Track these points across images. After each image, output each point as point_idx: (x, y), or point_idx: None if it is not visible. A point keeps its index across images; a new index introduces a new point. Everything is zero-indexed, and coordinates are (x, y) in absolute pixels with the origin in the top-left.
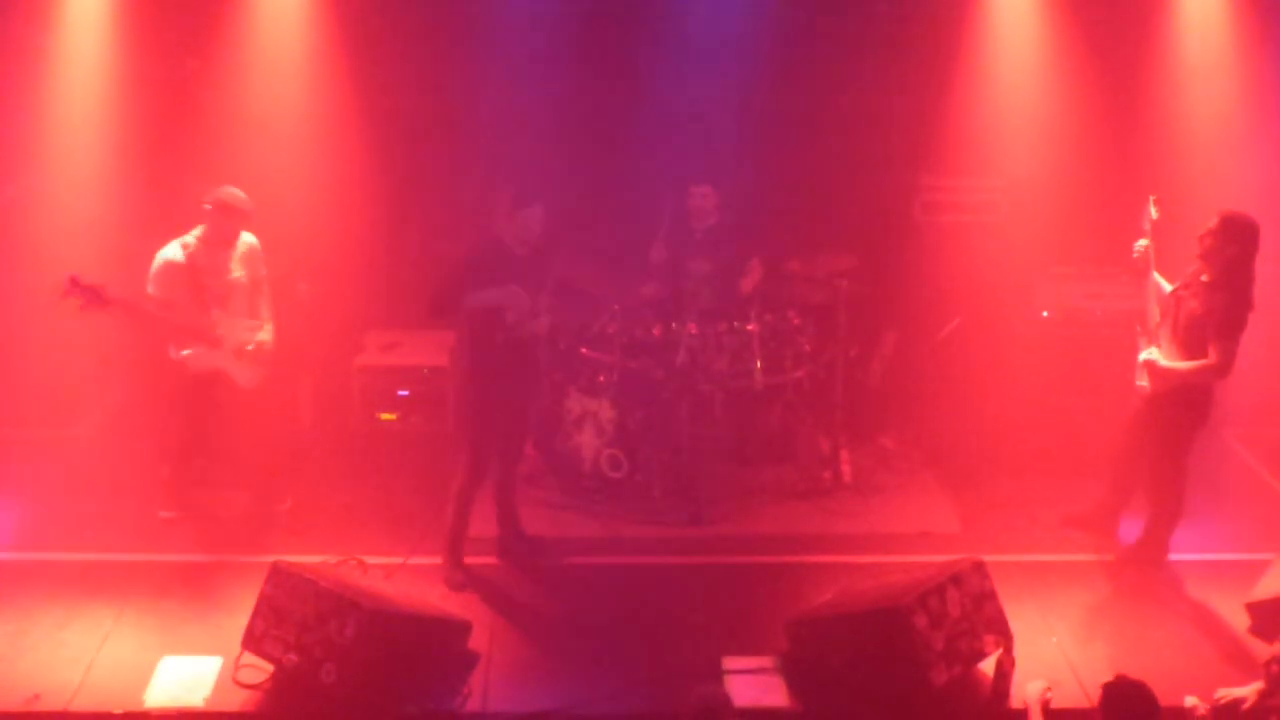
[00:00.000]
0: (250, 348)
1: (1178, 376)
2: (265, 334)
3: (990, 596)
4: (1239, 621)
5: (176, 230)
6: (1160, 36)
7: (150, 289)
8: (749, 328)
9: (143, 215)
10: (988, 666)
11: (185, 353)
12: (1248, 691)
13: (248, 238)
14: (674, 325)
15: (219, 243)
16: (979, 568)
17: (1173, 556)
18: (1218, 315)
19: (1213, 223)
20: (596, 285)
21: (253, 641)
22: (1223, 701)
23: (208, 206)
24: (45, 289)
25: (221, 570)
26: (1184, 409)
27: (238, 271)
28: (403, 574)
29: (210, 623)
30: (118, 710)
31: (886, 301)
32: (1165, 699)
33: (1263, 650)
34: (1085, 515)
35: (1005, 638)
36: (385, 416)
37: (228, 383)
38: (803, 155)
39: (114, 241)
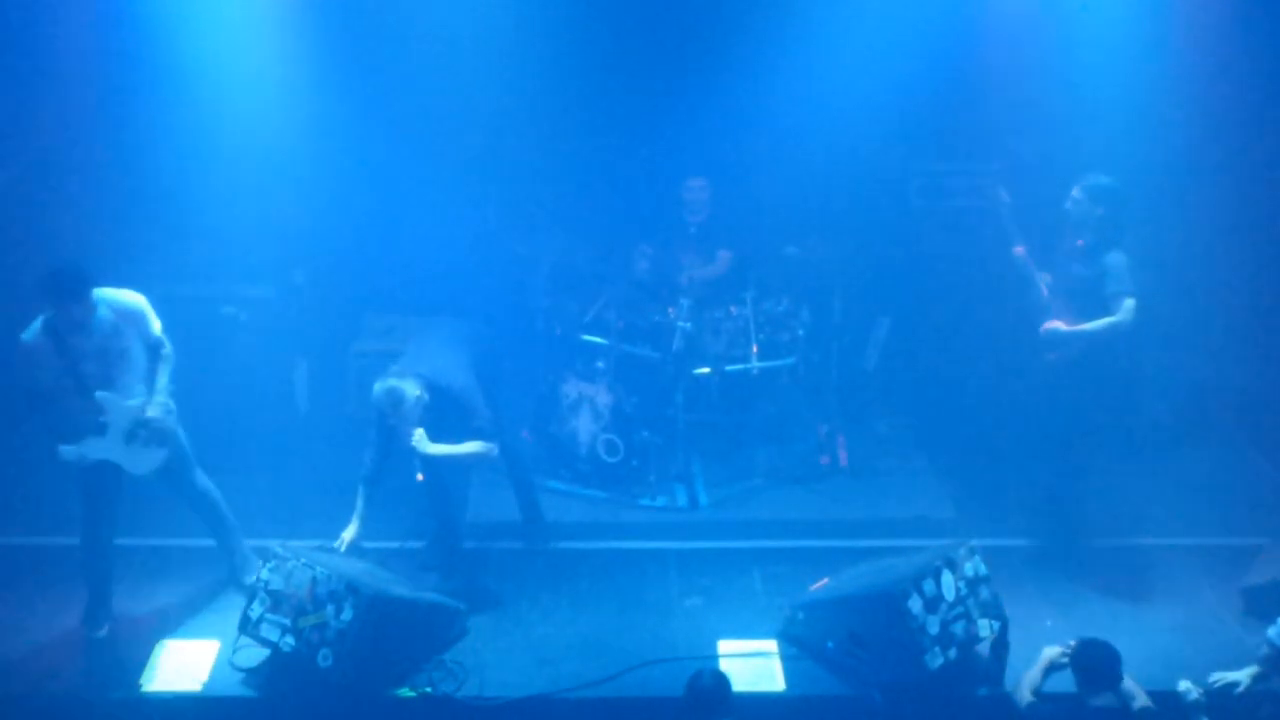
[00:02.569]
0: (144, 429)
1: (1087, 338)
2: (155, 410)
3: (985, 580)
4: (1234, 606)
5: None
6: (1156, 21)
7: (14, 377)
8: (745, 313)
9: (134, 209)
10: (983, 650)
11: (64, 448)
12: (1242, 675)
13: (120, 300)
14: (670, 310)
15: (70, 324)
16: (974, 552)
17: (1168, 541)
18: (1113, 275)
19: (1076, 192)
20: (592, 269)
21: (250, 626)
22: (1217, 686)
23: (38, 295)
24: None
25: (218, 555)
26: (1085, 381)
27: (117, 345)
28: (399, 559)
29: (207, 607)
30: (116, 694)
31: (882, 286)
32: (1159, 683)
33: (1257, 635)
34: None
35: (1000, 621)
36: None
37: (121, 474)
38: (801, 140)
39: (102, 232)
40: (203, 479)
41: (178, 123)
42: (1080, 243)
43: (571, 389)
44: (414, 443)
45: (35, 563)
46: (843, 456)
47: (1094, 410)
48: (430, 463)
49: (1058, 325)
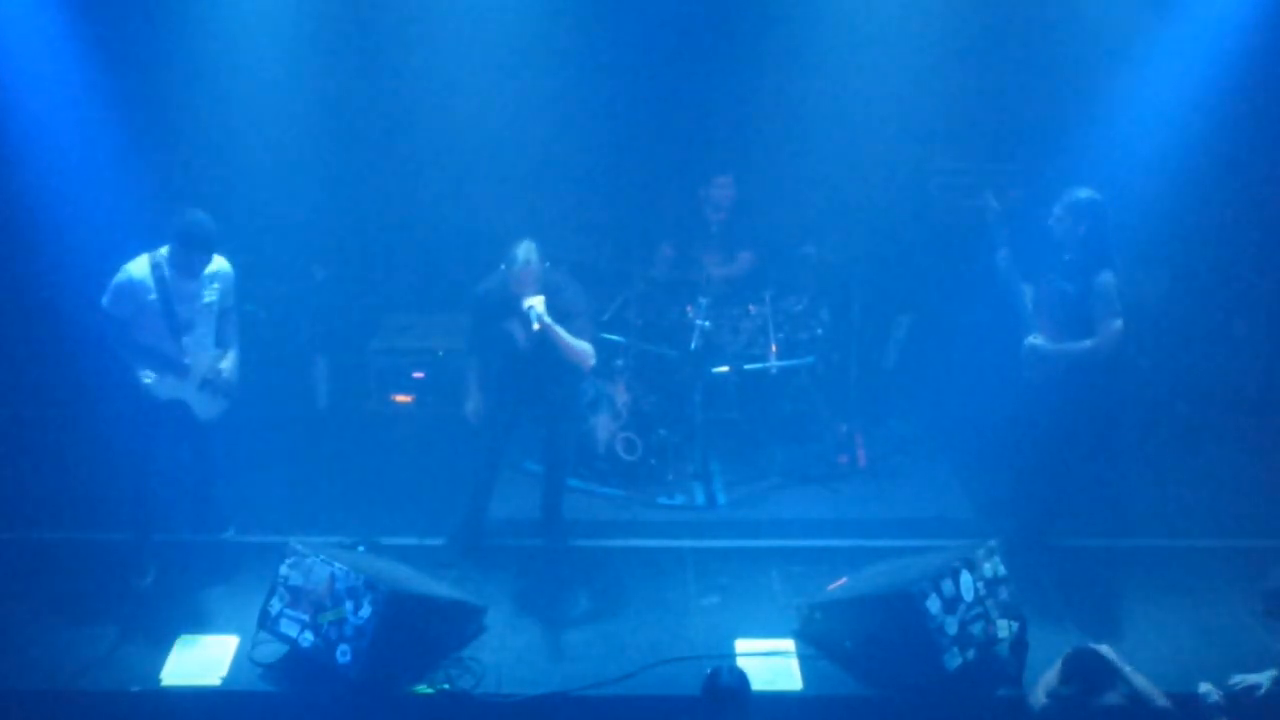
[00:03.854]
0: (217, 379)
1: (1069, 358)
2: (228, 363)
3: (1004, 581)
4: (1254, 608)
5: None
6: (1179, 25)
7: (106, 302)
8: (764, 311)
9: (155, 205)
10: (1001, 651)
11: (149, 378)
12: (1263, 678)
13: (220, 263)
14: (689, 309)
15: (185, 268)
16: (993, 552)
17: (1188, 543)
18: (1099, 295)
19: (1057, 209)
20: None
21: (268, 621)
22: (1237, 688)
23: (171, 233)
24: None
25: (238, 550)
26: (1065, 400)
27: (209, 298)
28: (418, 555)
29: (227, 602)
30: (135, 688)
31: (902, 285)
32: (1179, 685)
33: (1278, 636)
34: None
35: (1019, 622)
36: (400, 398)
37: (187, 414)
38: (819, 138)
39: (121, 227)
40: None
41: (200, 119)
42: (1066, 257)
43: (589, 387)
44: (530, 302)
45: (56, 557)
46: (861, 456)
47: (1078, 427)
48: (537, 347)
49: (1039, 341)
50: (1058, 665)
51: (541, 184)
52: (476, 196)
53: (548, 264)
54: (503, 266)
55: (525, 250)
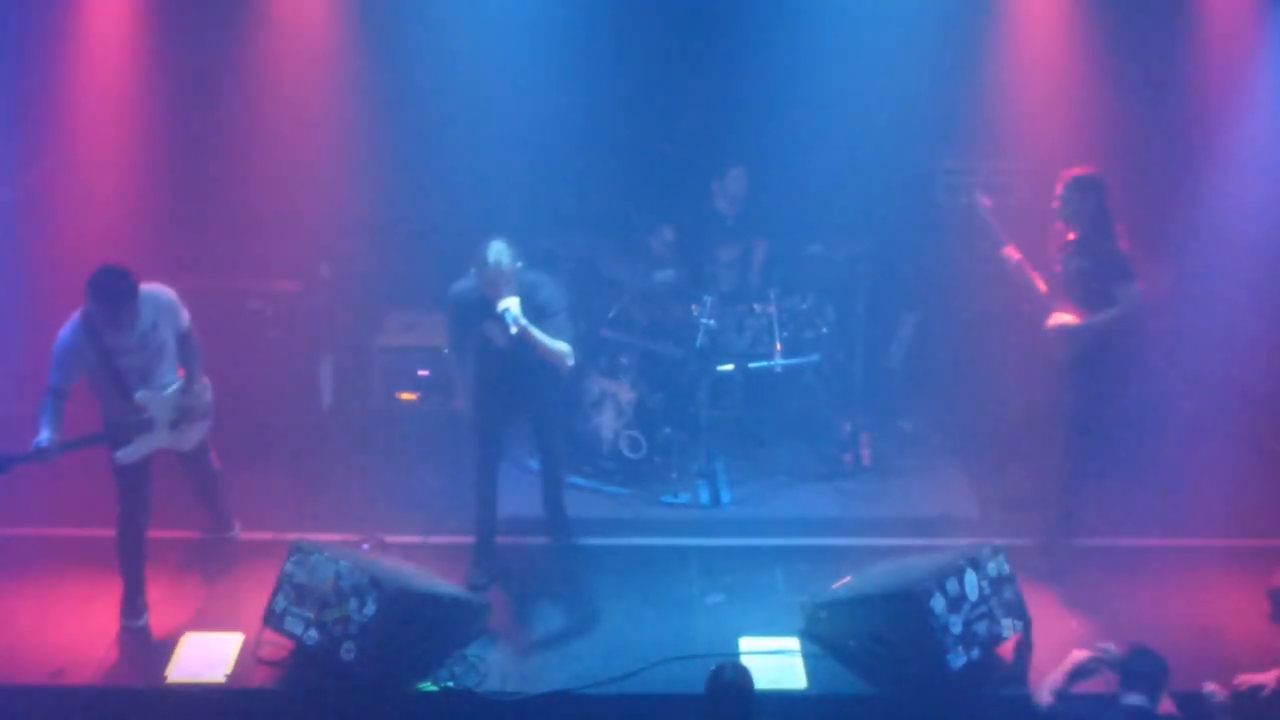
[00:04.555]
0: (186, 412)
1: (1097, 328)
2: (189, 394)
3: (1009, 580)
4: (1260, 608)
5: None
6: (1189, 21)
7: (54, 379)
8: (769, 310)
9: (162, 204)
10: (1006, 650)
11: (121, 453)
12: (1268, 678)
13: (153, 297)
14: (694, 308)
15: (111, 323)
16: (998, 551)
17: (1194, 542)
18: (1115, 262)
19: (1062, 191)
20: (616, 268)
21: (273, 619)
22: (1243, 688)
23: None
24: None
25: (243, 548)
26: (1093, 374)
27: (155, 339)
28: (423, 553)
29: (232, 600)
30: (141, 685)
31: (907, 284)
32: (1185, 685)
33: None
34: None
35: (1024, 621)
36: (405, 396)
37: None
38: (826, 138)
39: (129, 227)
40: (214, 460)
41: (203, 119)
42: (1072, 237)
43: (594, 385)
44: (505, 304)
45: (61, 553)
46: (866, 455)
47: (1108, 403)
48: (500, 367)
49: (1067, 319)
50: (1064, 665)
51: (547, 180)
52: (482, 193)
53: (520, 263)
54: (473, 269)
55: (495, 251)
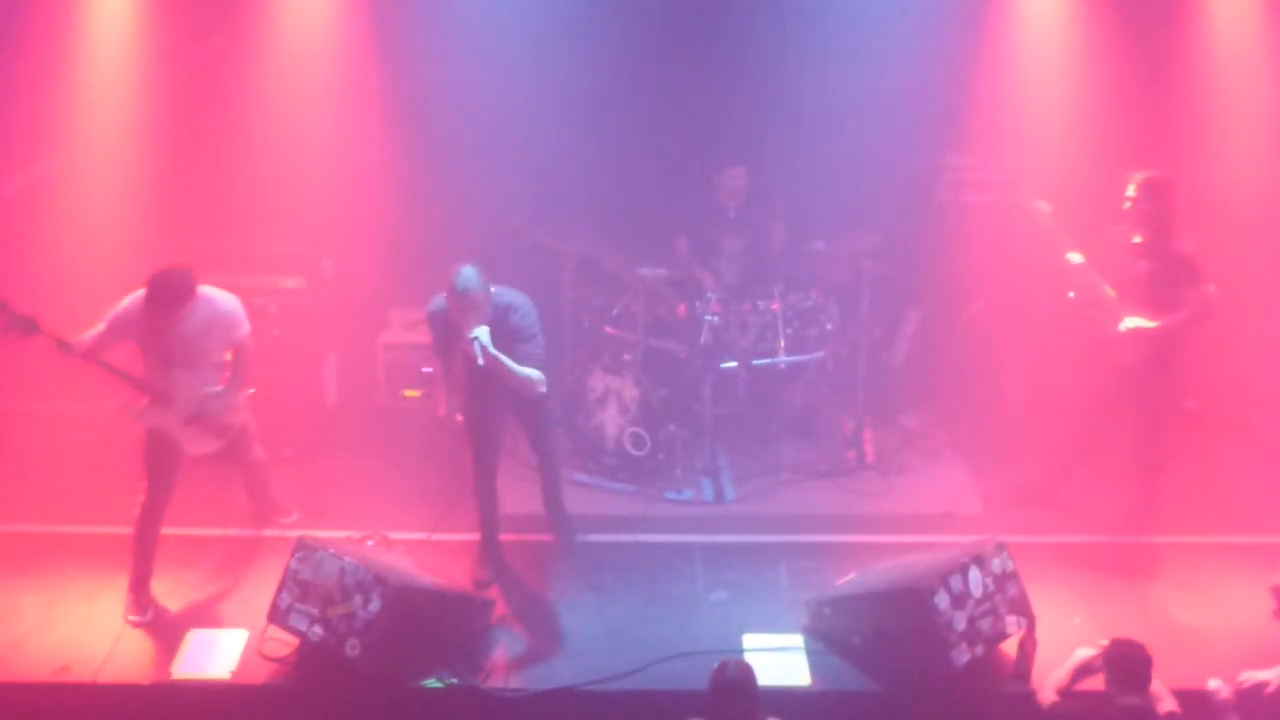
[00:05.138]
0: (207, 416)
1: (1173, 330)
2: (220, 407)
3: (1013, 577)
4: (1264, 604)
5: (197, 216)
6: (1192, 19)
7: (100, 325)
8: (773, 307)
9: (166, 197)
10: (1010, 647)
11: (131, 407)
12: (1272, 674)
13: (215, 303)
14: (697, 304)
15: (154, 314)
16: (1002, 548)
17: (1198, 539)
18: (1184, 264)
19: (1136, 191)
20: (619, 264)
21: (278, 615)
22: (1246, 685)
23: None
24: None
25: (248, 544)
26: (1166, 375)
27: (197, 335)
28: (426, 550)
29: (236, 596)
30: (145, 681)
31: (911, 281)
32: (1188, 682)
33: None
34: (1032, 486)
35: (1028, 618)
36: (409, 393)
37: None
38: (829, 135)
39: (134, 224)
40: (259, 449)
41: (208, 116)
42: (1137, 239)
43: (598, 382)
44: (475, 333)
45: (65, 550)
46: (870, 452)
47: (1179, 400)
48: (485, 374)
49: (1141, 322)
50: (1069, 663)
51: (550, 178)
52: (485, 190)
53: (492, 289)
54: (443, 295)
55: (464, 280)
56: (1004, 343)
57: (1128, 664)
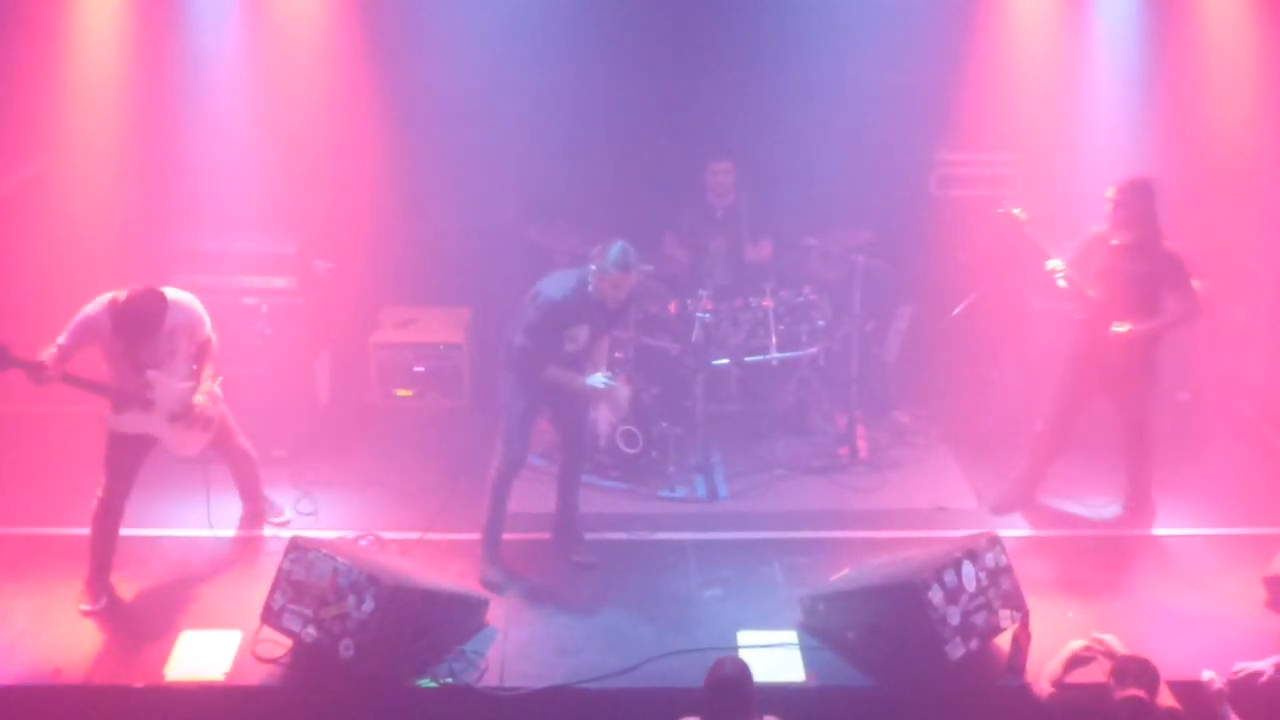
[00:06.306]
0: (189, 413)
1: (1165, 331)
2: (201, 396)
3: (1006, 571)
4: (1256, 595)
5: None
6: (1184, 14)
7: (60, 339)
8: (765, 303)
9: (156, 197)
10: (1004, 641)
11: (116, 419)
12: (1265, 665)
13: (179, 308)
14: (689, 302)
15: (124, 337)
16: (995, 542)
17: (1191, 531)
18: (1171, 264)
19: (1116, 193)
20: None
21: (271, 616)
22: (1240, 675)
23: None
24: None
25: (240, 545)
26: (1151, 374)
27: (166, 339)
28: (420, 549)
29: (229, 598)
30: (138, 683)
31: (903, 276)
32: (1182, 673)
33: None
34: (1011, 496)
35: (1021, 612)
36: (402, 393)
37: (163, 450)
38: (820, 131)
39: (123, 224)
40: (244, 441)
41: (199, 115)
42: (1116, 241)
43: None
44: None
45: (60, 553)
46: (863, 448)
47: (1152, 397)
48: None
49: (1129, 325)
50: (1061, 655)
51: (540, 176)
52: (476, 188)
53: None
54: (556, 282)
55: (630, 256)
56: (996, 337)
57: (1137, 677)
